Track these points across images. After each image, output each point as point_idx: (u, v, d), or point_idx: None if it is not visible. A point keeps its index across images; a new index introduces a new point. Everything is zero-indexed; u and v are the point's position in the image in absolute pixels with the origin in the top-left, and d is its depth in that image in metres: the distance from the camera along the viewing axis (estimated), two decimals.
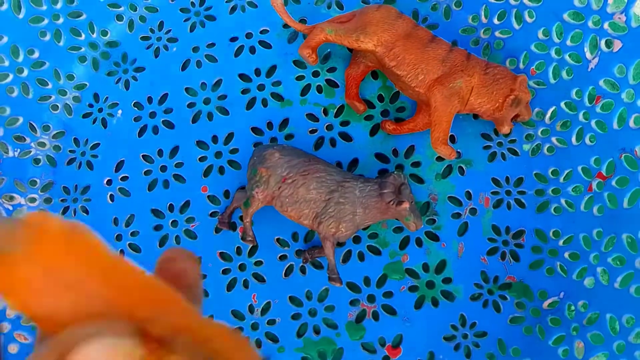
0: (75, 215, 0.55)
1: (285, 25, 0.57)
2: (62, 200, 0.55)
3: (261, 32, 0.57)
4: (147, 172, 0.55)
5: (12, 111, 0.55)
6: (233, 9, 0.58)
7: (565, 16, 0.50)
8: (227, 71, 0.57)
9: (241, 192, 0.52)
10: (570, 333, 0.47)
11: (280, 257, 0.53)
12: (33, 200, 0.55)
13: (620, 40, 0.47)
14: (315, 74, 0.56)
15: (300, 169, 0.48)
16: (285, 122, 0.55)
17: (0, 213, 0.53)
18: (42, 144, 0.56)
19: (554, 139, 0.51)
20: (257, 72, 0.57)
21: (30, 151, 0.55)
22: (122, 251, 0.54)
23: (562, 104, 0.51)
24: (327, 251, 0.48)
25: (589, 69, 0.49)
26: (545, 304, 0.49)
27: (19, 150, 0.55)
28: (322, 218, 0.48)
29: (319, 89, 0.56)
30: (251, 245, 0.53)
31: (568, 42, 0.50)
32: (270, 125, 0.55)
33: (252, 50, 0.57)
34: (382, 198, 0.47)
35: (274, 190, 0.48)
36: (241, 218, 0.50)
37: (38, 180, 0.55)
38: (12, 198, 0.54)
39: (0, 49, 0.53)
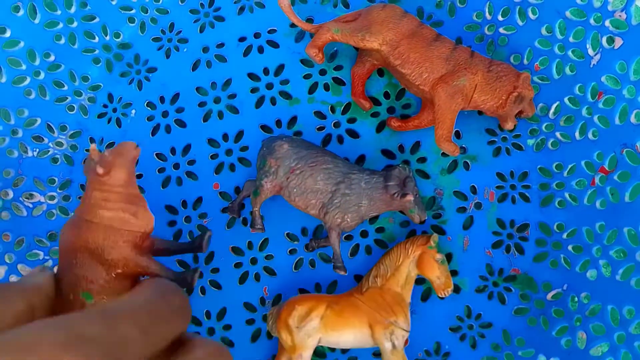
0: None
1: (293, 25, 0.58)
2: (79, 198, 0.57)
3: (269, 32, 0.59)
4: (160, 170, 0.57)
5: (30, 113, 0.57)
6: (241, 9, 0.59)
7: (568, 13, 0.50)
8: (237, 71, 0.58)
9: (251, 182, 0.53)
10: (573, 324, 0.48)
11: (290, 251, 0.55)
12: (52, 198, 0.57)
13: (621, 38, 0.47)
14: (322, 73, 0.57)
15: (309, 160, 0.50)
16: (293, 120, 0.57)
17: (21, 210, 0.56)
18: (60, 144, 0.58)
19: (558, 134, 0.52)
20: (266, 71, 0.58)
21: (49, 151, 0.57)
22: None
23: (566, 99, 0.52)
24: (332, 240, 0.50)
25: (591, 65, 0.50)
26: (549, 296, 0.51)
27: (37, 150, 0.57)
28: (329, 208, 0.49)
29: (326, 87, 0.57)
30: (262, 240, 0.55)
31: (571, 39, 0.51)
32: (279, 123, 0.57)
33: (261, 49, 0.58)
34: (387, 190, 0.49)
35: (282, 180, 0.50)
36: (252, 213, 0.52)
37: (56, 179, 0.57)
38: (31, 196, 0.56)
39: (18, 53, 0.55)
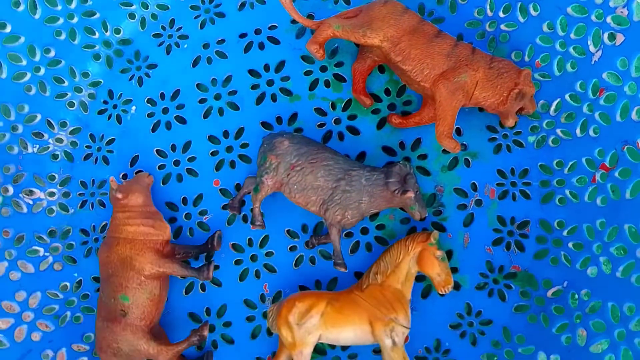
0: (92, 208, 0.57)
1: (293, 21, 0.58)
2: (79, 195, 0.57)
3: (270, 28, 0.58)
4: (161, 167, 0.57)
5: (30, 108, 0.56)
6: (242, 5, 0.59)
7: (569, 10, 0.50)
8: (237, 67, 0.58)
9: (251, 178, 0.53)
10: (573, 321, 0.48)
11: (290, 248, 0.54)
12: (52, 194, 0.57)
13: (622, 34, 0.47)
14: (323, 69, 0.57)
15: (309, 157, 0.50)
16: (294, 117, 0.56)
17: (21, 207, 0.55)
18: (60, 140, 0.58)
19: (558, 131, 0.52)
20: (266, 68, 0.58)
21: (49, 147, 0.57)
22: None
23: (567, 96, 0.52)
24: (333, 237, 0.50)
25: (593, 62, 0.49)
26: (550, 293, 0.50)
27: (37, 146, 0.57)
28: (329, 205, 0.49)
29: (327, 84, 0.57)
30: (262, 237, 0.55)
31: (572, 35, 0.50)
32: (279, 119, 0.57)
33: (261, 46, 0.58)
34: (388, 187, 0.49)
35: (282, 177, 0.50)
36: (252, 210, 0.52)
37: (56, 175, 0.57)
38: (31, 192, 0.56)
39: (18, 48, 0.55)
